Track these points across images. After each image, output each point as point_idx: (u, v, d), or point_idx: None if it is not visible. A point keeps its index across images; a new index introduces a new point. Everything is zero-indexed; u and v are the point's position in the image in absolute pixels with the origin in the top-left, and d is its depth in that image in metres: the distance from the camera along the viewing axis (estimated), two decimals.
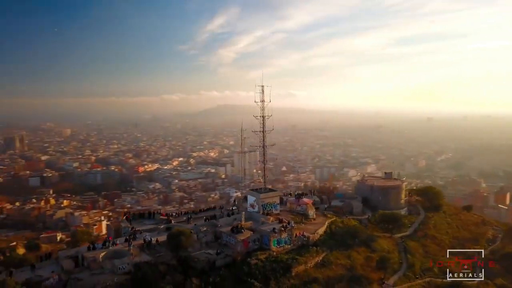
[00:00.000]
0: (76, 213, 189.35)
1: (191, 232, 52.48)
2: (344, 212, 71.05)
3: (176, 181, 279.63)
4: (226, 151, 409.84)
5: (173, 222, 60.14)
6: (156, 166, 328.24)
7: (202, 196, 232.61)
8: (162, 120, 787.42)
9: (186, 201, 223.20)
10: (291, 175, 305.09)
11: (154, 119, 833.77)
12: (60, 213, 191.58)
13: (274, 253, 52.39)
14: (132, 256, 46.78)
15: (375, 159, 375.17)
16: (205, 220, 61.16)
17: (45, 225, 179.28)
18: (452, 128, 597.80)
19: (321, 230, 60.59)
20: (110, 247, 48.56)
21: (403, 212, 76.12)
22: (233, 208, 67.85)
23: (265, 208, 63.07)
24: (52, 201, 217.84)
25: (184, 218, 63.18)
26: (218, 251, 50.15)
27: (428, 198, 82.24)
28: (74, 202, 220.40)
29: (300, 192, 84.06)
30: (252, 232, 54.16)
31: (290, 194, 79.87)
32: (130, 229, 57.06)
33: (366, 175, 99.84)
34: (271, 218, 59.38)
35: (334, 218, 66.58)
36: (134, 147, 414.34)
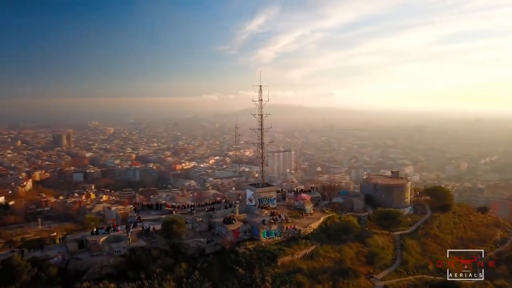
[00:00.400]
0: (113, 208, 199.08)
1: (186, 221, 56.65)
2: (343, 208, 72.66)
3: (211, 179, 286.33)
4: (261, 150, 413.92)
5: (174, 213, 64.51)
6: (193, 164, 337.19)
7: (235, 194, 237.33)
8: (201, 120, 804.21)
9: (218, 198, 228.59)
10: (325, 176, 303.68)
11: (193, 118, 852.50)
12: (99, 207, 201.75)
13: (263, 244, 55.42)
14: (129, 241, 51.48)
15: (413, 161, 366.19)
16: (206, 212, 65.06)
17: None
18: (501, 130, 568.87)
19: (315, 225, 62.86)
20: (111, 233, 53.51)
21: (407, 210, 76.54)
22: (236, 202, 71.30)
23: (262, 202, 66.09)
24: (93, 196, 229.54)
25: (188, 210, 67.38)
26: (209, 240, 54.01)
27: (437, 198, 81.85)
28: (113, 198, 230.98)
29: (300, 188, 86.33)
30: (242, 223, 57.54)
31: (294, 190, 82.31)
32: (135, 218, 62.06)
33: (371, 174, 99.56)
34: (265, 211, 62.41)
35: (332, 214, 68.53)
36: (173, 145, 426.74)
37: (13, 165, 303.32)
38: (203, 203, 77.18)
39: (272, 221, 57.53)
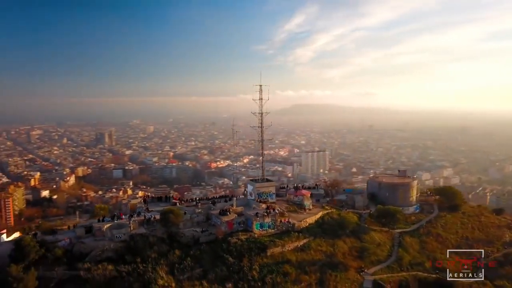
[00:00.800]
0: None
1: (185, 212, 60.57)
2: (343, 205, 74.01)
3: (244, 177, 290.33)
4: (296, 150, 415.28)
5: (178, 204, 68.56)
6: (227, 162, 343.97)
7: None
8: (238, 119, 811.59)
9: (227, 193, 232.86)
10: (360, 177, 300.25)
11: (231, 118, 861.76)
12: (134, 202, 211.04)
13: (256, 235, 58.30)
14: (130, 228, 56.03)
15: (454, 163, 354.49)
16: (214, 204, 68.61)
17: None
18: None
19: (311, 219, 64.87)
20: (115, 221, 58.31)
21: (412, 209, 76.67)
22: (241, 196, 74.55)
23: (261, 197, 68.81)
24: (129, 192, 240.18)
25: (194, 203, 71.30)
26: (203, 229, 57.61)
27: (447, 198, 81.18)
28: (148, 194, 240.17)
29: (302, 184, 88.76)
30: (237, 215, 60.70)
31: (295, 186, 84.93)
32: (144, 208, 66.84)
33: (378, 172, 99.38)
34: (263, 205, 65.08)
35: (331, 210, 70.14)
36: (210, 144, 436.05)
37: (58, 161, 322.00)
38: (210, 197, 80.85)
39: (265, 214, 60.21)
